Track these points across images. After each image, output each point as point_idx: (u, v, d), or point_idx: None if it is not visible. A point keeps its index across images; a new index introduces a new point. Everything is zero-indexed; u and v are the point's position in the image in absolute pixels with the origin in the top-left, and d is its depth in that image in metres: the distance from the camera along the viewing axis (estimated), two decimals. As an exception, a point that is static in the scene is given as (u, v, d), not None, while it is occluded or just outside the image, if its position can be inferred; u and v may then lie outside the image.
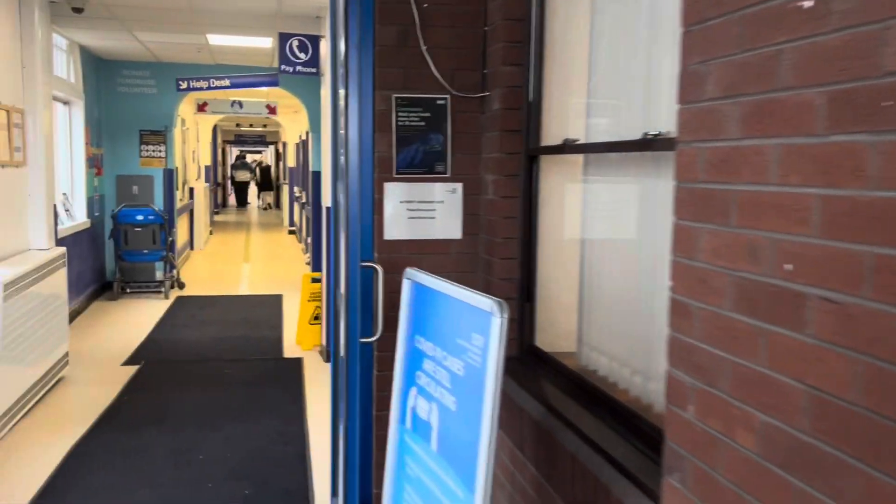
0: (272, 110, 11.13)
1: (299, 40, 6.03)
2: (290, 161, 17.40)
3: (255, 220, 21.84)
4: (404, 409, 2.52)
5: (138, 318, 7.88)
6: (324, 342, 6.43)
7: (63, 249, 5.46)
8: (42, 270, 4.89)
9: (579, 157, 2.62)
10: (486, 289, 3.01)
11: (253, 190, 29.00)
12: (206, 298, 9.02)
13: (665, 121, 1.97)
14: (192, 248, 13.60)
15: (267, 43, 7.92)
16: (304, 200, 13.31)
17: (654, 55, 2.10)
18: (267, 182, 27.98)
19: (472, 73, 3.09)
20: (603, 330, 2.48)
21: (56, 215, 7.19)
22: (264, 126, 22.97)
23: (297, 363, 6.23)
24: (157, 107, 9.40)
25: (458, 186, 3.10)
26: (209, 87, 8.40)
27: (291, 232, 17.24)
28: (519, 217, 2.93)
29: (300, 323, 6.81)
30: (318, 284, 6.78)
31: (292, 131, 17.17)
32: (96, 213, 8.87)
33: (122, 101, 9.31)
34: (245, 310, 8.39)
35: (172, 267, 9.41)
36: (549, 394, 2.51)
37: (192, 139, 14.21)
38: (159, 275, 9.54)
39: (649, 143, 2.03)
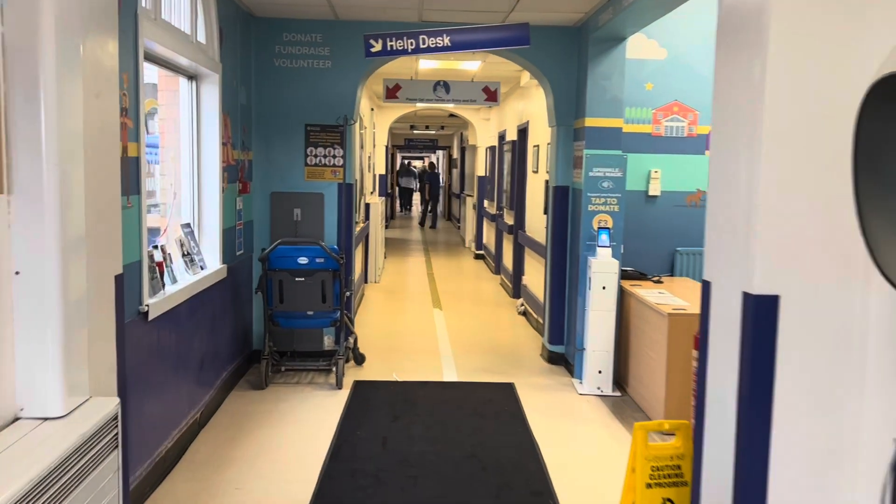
0: (491, 95, 7.68)
1: None
2: (479, 169, 14.04)
3: (430, 237, 18.72)
4: None
5: (295, 440, 4.61)
6: None
7: (114, 407, 2.14)
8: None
9: None
10: None
11: (416, 196, 27.79)
12: (399, 390, 5.64)
13: None
14: (366, 280, 10.48)
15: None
16: (510, 223, 9.80)
17: None
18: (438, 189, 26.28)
19: None
20: None
21: (161, 273, 4.01)
22: (442, 128, 19.87)
23: None
24: (331, 88, 6.18)
25: None
26: (416, 50, 5.02)
27: (479, 256, 13.86)
28: None
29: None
30: (665, 447, 3.12)
31: (483, 132, 13.79)
32: (239, 252, 5.74)
33: (282, 79, 6.16)
34: (467, 424, 4.91)
35: (349, 333, 6.14)
36: None
37: (370, 142, 11.12)
38: (329, 342, 6.30)
39: None
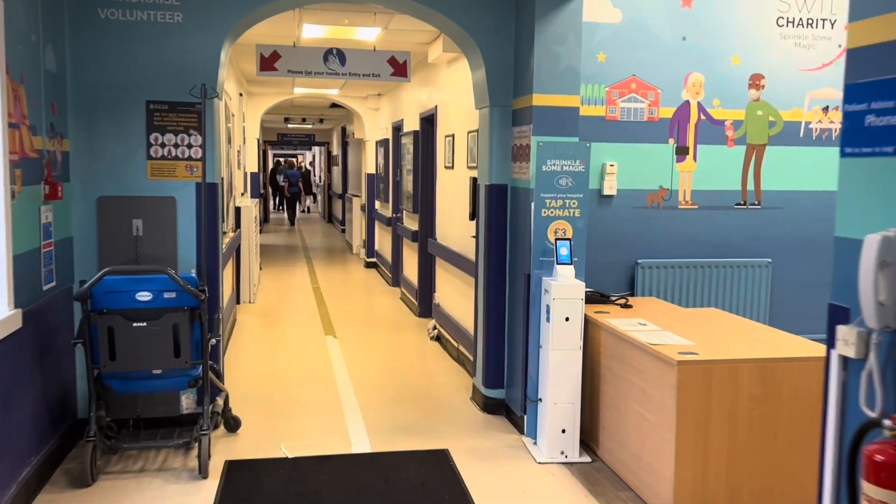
0: (399, 68, 6.09)
1: None
2: (368, 165, 12.45)
3: (310, 241, 16.90)
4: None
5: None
6: None
7: None
8: None
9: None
10: None
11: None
12: (292, 475, 4.00)
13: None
14: (238, 301, 8.68)
15: None
16: (414, 229, 8.31)
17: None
18: (307, 186, 26.07)
19: None
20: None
21: None
22: (321, 121, 18.09)
23: None
24: (183, 51, 4.43)
25: None
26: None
27: (371, 265, 12.26)
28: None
29: None
30: None
31: (373, 124, 12.22)
32: (48, 286, 3.91)
33: (111, 37, 4.36)
34: (398, 535, 3.36)
35: (216, 393, 4.43)
36: None
37: (239, 134, 9.30)
38: (188, 403, 4.56)
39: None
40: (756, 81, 5.25)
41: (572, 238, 4.37)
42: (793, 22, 5.24)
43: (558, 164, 4.34)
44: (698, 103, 5.21)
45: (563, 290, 4.18)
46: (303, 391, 5.52)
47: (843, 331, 1.94)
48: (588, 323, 4.33)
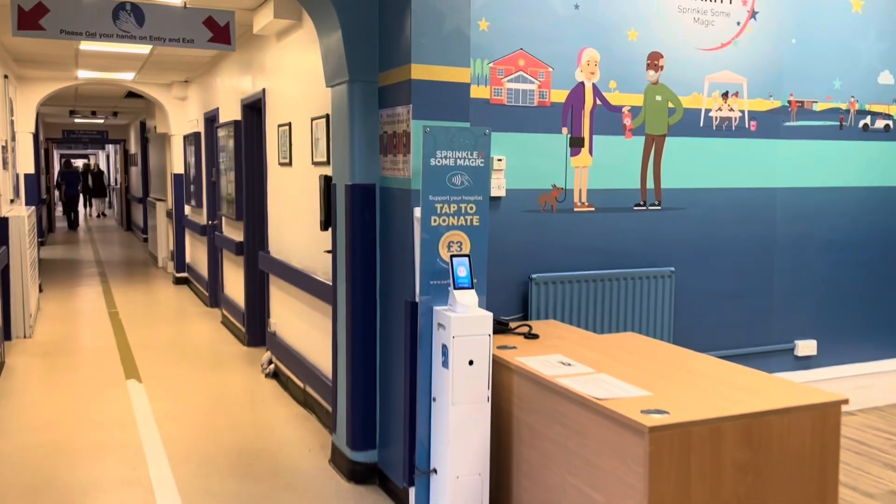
0: (220, 32, 4.63)
1: None
2: (175, 164, 10.69)
3: (106, 254, 14.60)
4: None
5: None
6: None
7: None
8: None
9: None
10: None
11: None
12: None
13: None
14: (8, 337, 6.81)
15: None
16: (238, 240, 6.93)
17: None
18: (100, 188, 24.35)
19: None
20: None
21: None
22: (115, 115, 15.78)
23: None
24: None
25: None
26: None
27: (181, 281, 10.54)
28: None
29: None
30: None
31: (179, 116, 10.53)
32: None
33: None
34: None
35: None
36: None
37: (6, 126, 7.37)
38: None
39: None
40: (654, 61, 4.51)
41: (470, 253, 3.33)
42: (692, -6, 4.55)
43: (452, 157, 3.27)
44: (593, 85, 4.37)
45: (465, 325, 3.12)
46: (97, 468, 4.03)
47: None
48: (494, 364, 3.31)
